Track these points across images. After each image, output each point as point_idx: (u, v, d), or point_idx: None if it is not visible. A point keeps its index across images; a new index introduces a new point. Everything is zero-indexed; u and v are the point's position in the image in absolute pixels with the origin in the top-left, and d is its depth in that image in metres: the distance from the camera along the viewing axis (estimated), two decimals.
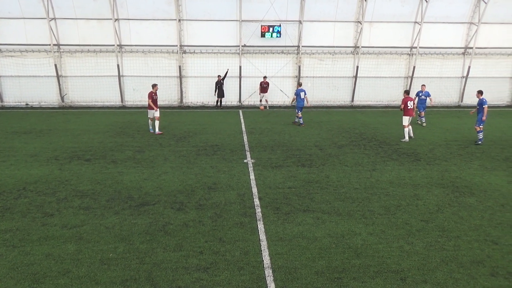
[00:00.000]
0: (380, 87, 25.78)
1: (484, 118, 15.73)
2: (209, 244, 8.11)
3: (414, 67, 25.25)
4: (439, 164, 13.51)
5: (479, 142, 15.96)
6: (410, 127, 16.90)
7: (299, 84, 19.85)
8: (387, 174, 12.47)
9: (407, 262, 7.50)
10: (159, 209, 9.73)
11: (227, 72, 24.39)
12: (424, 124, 19.92)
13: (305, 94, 19.46)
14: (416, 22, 24.73)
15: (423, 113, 20.13)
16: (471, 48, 25.29)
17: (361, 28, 24.32)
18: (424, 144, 16.15)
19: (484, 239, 8.42)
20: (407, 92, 16.80)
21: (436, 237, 8.48)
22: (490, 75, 26.12)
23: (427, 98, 20.32)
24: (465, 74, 25.83)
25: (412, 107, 16.54)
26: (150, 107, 17.47)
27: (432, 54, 25.46)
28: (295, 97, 19.47)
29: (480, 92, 16.20)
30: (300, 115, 19.53)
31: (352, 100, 25.82)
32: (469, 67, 25.59)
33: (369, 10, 24.12)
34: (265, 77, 24.20)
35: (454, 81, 25.74)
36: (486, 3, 24.11)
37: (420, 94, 20.29)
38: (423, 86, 20.46)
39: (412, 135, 17.05)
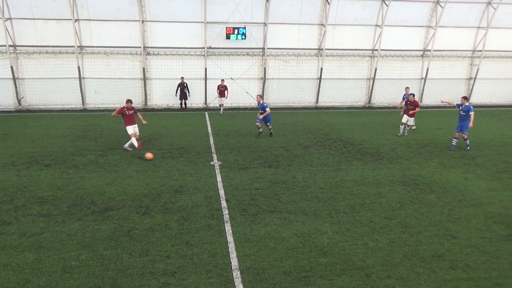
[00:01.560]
0: (344, 89, 26.34)
1: (471, 125, 15.13)
2: (176, 248, 8.01)
3: (376, 69, 25.97)
4: (401, 163, 13.95)
5: (468, 148, 15.82)
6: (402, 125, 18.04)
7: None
8: (352, 173, 12.76)
9: (372, 259, 7.70)
10: (124, 214, 9.53)
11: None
12: (414, 127, 19.59)
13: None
14: (377, 25, 25.45)
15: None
16: (429, 50, 26.28)
17: (325, 31, 24.78)
18: (386, 144, 16.63)
19: (444, 233, 8.77)
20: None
21: (399, 233, 8.76)
22: (447, 77, 27.24)
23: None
24: (424, 76, 26.82)
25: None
26: (126, 123, 15.10)
27: (393, 56, 26.27)
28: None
29: (465, 98, 15.56)
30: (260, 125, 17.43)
31: (317, 102, 26.25)
32: (427, 69, 26.58)
33: (332, 13, 24.62)
34: (222, 80, 23.85)
35: (414, 82, 26.64)
36: (442, 7, 25.15)
37: (405, 97, 19.94)
38: (407, 89, 20.21)
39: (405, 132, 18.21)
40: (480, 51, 26.89)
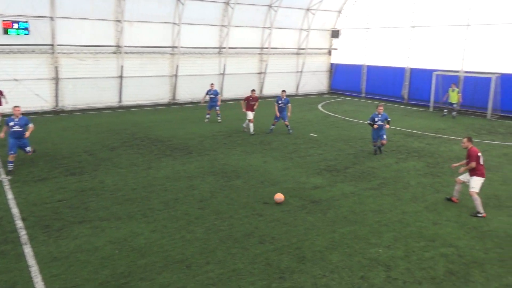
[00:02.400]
0: (147, 86, 26.01)
1: (289, 114, 17.96)
2: None
3: (177, 66, 26.52)
4: (209, 154, 14.68)
5: (291, 132, 18.30)
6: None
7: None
8: (163, 170, 12.77)
9: (190, 250, 7.90)
10: None
11: None
12: (220, 120, 20.68)
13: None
14: (175, 23, 25.94)
15: (217, 111, 20.69)
16: (225, 48, 28.28)
17: (122, 27, 23.92)
18: (194, 138, 17.22)
19: (252, 213, 9.64)
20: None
21: (213, 220, 9.22)
22: (242, 72, 29.86)
23: (216, 96, 20.86)
24: (222, 71, 28.73)
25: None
26: None
27: (193, 54, 27.27)
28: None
29: (284, 91, 18.40)
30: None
31: (120, 101, 25.23)
32: (224, 65, 28.58)
33: (128, 9, 23.89)
34: None
35: (214, 78, 28.20)
36: (232, 8, 27.32)
37: (209, 93, 20.72)
38: (212, 85, 21.00)
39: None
40: (267, 48, 30.35)
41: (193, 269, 7.24)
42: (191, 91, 27.59)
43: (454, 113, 23.15)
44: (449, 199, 10.56)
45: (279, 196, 10.33)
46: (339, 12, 32.70)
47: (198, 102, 26.39)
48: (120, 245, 8.04)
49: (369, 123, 15.02)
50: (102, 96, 24.66)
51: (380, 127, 14.71)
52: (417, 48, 27.99)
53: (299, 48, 32.30)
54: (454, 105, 23.04)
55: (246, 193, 10.99)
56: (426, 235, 8.71)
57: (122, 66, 24.66)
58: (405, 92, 28.97)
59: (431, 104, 25.99)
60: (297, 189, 11.37)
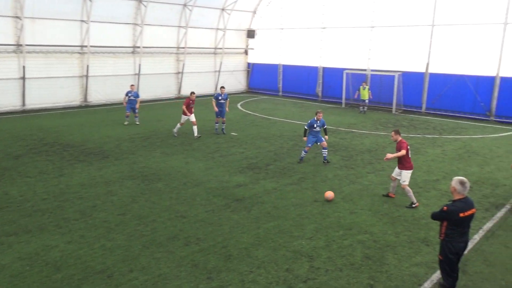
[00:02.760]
0: (55, 88, 24.23)
1: (227, 109, 17.81)
2: None
3: (88, 66, 25.08)
4: (127, 158, 14.11)
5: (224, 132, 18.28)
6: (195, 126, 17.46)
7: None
8: (77, 177, 12.02)
9: (111, 258, 7.54)
10: None
11: None
12: (138, 123, 19.84)
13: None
14: (83, 21, 24.48)
15: (135, 113, 19.88)
16: (139, 47, 27.34)
17: (22, 24, 22.00)
18: (110, 141, 16.44)
19: (175, 216, 9.46)
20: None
21: (135, 226, 8.90)
22: (159, 72, 29.13)
23: (136, 99, 19.93)
24: (137, 71, 27.75)
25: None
26: None
27: (105, 53, 25.97)
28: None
29: (223, 87, 18.48)
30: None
31: (24, 104, 23.21)
32: (139, 65, 27.63)
33: (28, 4, 22.03)
34: None
35: (128, 78, 27.15)
36: (145, 6, 26.49)
37: (129, 94, 19.78)
38: (133, 87, 20.19)
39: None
40: (184, 48, 29.94)
41: (115, 279, 6.92)
42: (105, 92, 26.29)
43: (365, 109, 24.83)
44: (387, 195, 10.85)
45: (330, 194, 10.57)
46: (254, 12, 33.33)
47: (112, 104, 25.25)
48: (31, 260, 7.41)
49: (305, 130, 13.88)
50: (2, 99, 22.48)
51: (318, 133, 13.81)
52: (328, 48, 29.51)
53: (216, 48, 32.34)
54: (366, 102, 24.73)
55: (168, 195, 10.76)
56: (344, 224, 9.24)
57: (24, 67, 22.70)
58: (319, 90, 30.40)
59: (343, 101, 27.60)
60: (221, 188, 11.39)
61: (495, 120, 22.53)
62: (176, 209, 9.85)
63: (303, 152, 14.13)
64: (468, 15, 22.74)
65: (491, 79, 22.62)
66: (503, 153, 15.59)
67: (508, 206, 10.41)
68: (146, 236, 8.46)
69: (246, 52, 34.91)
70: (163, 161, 13.89)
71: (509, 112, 22.25)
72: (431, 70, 24.73)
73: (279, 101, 29.55)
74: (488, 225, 9.31)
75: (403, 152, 10.11)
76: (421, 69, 25.02)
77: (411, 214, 9.86)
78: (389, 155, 10.36)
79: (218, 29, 31.93)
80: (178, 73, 30.41)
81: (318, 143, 13.95)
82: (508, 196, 11.16)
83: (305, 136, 13.97)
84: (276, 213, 9.79)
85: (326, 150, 13.98)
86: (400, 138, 10.46)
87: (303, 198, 10.75)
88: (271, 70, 33.30)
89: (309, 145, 13.91)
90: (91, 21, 24.59)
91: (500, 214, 9.95)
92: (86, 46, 24.88)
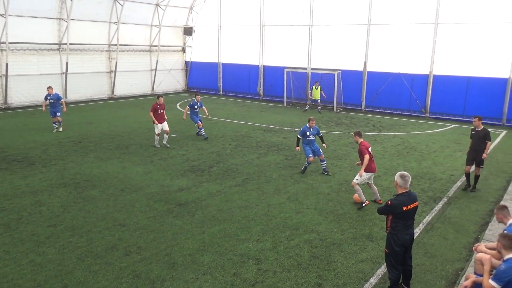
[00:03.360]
0: None
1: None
2: None
3: (7, 65, 23.43)
4: (56, 164, 13.39)
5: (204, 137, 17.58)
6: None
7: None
8: None
9: (43, 274, 7.11)
10: None
11: None
12: (61, 130, 18.32)
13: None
14: (0, 14, 22.86)
15: (59, 118, 18.25)
16: (66, 44, 26.02)
17: None
18: (36, 146, 15.50)
19: (113, 224, 9.13)
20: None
21: (68, 238, 8.47)
22: (89, 70, 27.93)
23: (59, 101, 18.32)
24: (64, 70, 26.39)
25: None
26: None
27: (26, 50, 24.43)
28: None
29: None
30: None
31: None
32: (67, 63, 26.30)
33: None
34: None
35: (54, 78, 25.74)
36: (71, 0, 25.26)
37: (49, 98, 18.16)
38: (50, 89, 18.38)
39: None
40: (116, 45, 28.93)
41: None
42: (28, 93, 24.77)
43: (319, 108, 25.62)
44: (374, 201, 10.73)
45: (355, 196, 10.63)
46: (191, 9, 33.00)
47: (37, 106, 23.83)
48: None
49: (298, 138, 13.10)
50: None
51: (313, 142, 13.02)
52: (269, 46, 29.94)
53: (151, 45, 31.63)
54: (318, 101, 25.44)
55: (105, 203, 10.35)
56: (291, 224, 9.42)
57: None
58: (260, 89, 30.75)
59: (285, 99, 28.14)
60: (162, 193, 11.16)
61: (430, 117, 24.08)
62: (113, 217, 9.50)
63: (306, 163, 13.16)
64: (402, 15, 24.11)
65: (425, 77, 24.17)
66: (438, 149, 16.71)
67: (445, 199, 11.18)
68: (81, 248, 8.08)
69: (183, 50, 34.49)
70: (98, 166, 13.34)
71: (442, 109, 23.90)
72: (369, 69, 25.92)
73: (220, 101, 29.51)
74: (428, 218, 9.94)
75: (366, 158, 10.25)
76: (359, 67, 26.15)
77: (356, 211, 10.27)
78: (361, 172, 10.30)
79: (152, 25, 31.24)
80: (111, 72, 29.34)
81: (316, 156, 13.05)
82: (445, 189, 11.98)
83: (297, 145, 13.09)
84: (221, 216, 9.76)
85: (325, 162, 13.19)
86: (361, 140, 10.55)
87: (249, 200, 10.81)
88: (211, 69, 33.17)
89: (310, 156, 12.87)
90: (10, 15, 23.02)
91: (438, 207, 10.66)
92: (4, 43, 23.24)
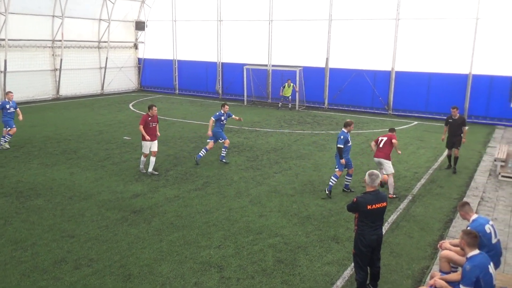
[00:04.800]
0: None
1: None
2: None
3: None
4: None
5: None
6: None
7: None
8: None
9: None
10: None
11: None
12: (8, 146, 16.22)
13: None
14: None
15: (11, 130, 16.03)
16: (4, 39, 24.92)
17: None
18: None
19: (61, 236, 8.84)
20: None
21: (10, 252, 8.12)
22: (31, 69, 26.88)
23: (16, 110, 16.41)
24: (2, 69, 25.25)
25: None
26: None
27: None
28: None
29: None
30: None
31: None
32: (5, 61, 25.17)
33: None
34: None
35: None
36: None
37: (8, 106, 16.07)
38: (10, 94, 16.48)
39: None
40: (60, 40, 28.02)
41: None
42: None
43: (290, 105, 26.30)
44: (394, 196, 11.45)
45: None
46: (143, 2, 32.48)
47: None
48: None
49: (339, 148, 11.52)
50: None
51: (348, 150, 11.88)
52: (227, 42, 29.92)
53: (100, 41, 30.87)
54: (288, 98, 26.00)
55: (51, 213, 10.01)
56: (254, 228, 9.46)
57: None
58: (219, 87, 30.68)
59: (245, 98, 28.22)
60: (115, 200, 10.92)
61: (393, 114, 24.87)
62: (61, 228, 9.20)
63: (333, 181, 11.65)
64: (364, 10, 24.75)
65: (387, 74, 24.92)
66: (402, 146, 17.24)
67: (410, 197, 11.58)
68: (26, 262, 7.77)
69: (136, 46, 33.90)
70: (42, 173, 12.87)
71: (405, 106, 24.73)
72: (331, 65, 26.43)
73: (176, 100, 29.21)
74: (393, 217, 10.26)
75: (394, 142, 11.69)
76: (321, 64, 26.61)
77: (320, 212, 10.45)
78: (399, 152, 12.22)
79: (101, 19, 30.50)
80: (55, 70, 28.39)
81: (348, 170, 11.90)
82: (409, 187, 12.42)
83: (341, 157, 11.52)
84: (180, 222, 9.67)
85: (351, 178, 12.06)
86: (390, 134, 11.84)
87: (209, 204, 10.77)
88: (166, 66, 32.77)
89: (341, 169, 11.58)
90: None
91: (403, 205, 11.03)
92: None
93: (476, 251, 5.77)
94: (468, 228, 6.42)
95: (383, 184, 11.08)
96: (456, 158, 14.08)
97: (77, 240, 8.71)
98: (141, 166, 13.35)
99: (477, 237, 5.85)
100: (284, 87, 26.16)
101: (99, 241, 8.67)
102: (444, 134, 14.47)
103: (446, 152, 14.88)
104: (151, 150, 13.10)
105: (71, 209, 10.25)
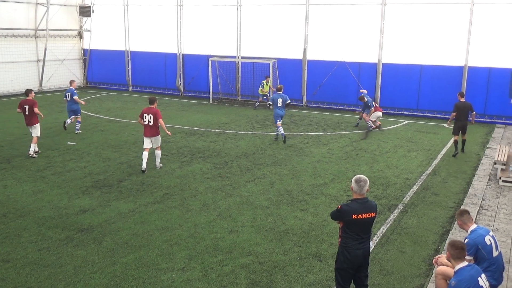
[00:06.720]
0: None
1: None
2: None
3: None
4: None
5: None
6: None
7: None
8: None
9: None
10: None
11: None
12: None
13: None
14: None
15: None
16: None
17: None
18: None
19: None
20: None
21: None
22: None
23: None
24: None
25: None
26: None
27: None
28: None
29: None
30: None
31: None
32: None
33: None
34: None
35: None
36: None
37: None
38: (74, 83, 19.54)
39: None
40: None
41: None
42: None
43: (268, 104, 26.19)
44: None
45: None
46: None
47: None
48: None
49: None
50: None
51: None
52: (188, 31, 29.87)
53: (37, 29, 30.34)
54: (267, 97, 26.00)
55: None
56: (223, 246, 9.47)
57: None
58: (180, 82, 30.59)
59: (211, 95, 28.21)
60: (57, 216, 10.75)
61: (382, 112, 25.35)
62: None
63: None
64: None
65: (374, 66, 25.36)
66: (391, 149, 17.65)
67: (401, 207, 11.83)
68: None
69: (80, 35, 33.51)
70: None
71: (394, 103, 25.22)
72: (309, 57, 26.74)
73: (129, 98, 28.97)
74: (382, 230, 10.46)
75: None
76: (298, 55, 26.89)
77: (300, 226, 10.55)
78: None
79: (38, 3, 29.98)
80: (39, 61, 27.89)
81: None
82: (400, 195, 12.68)
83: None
84: (136, 242, 9.59)
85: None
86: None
87: (170, 220, 10.72)
88: (117, 59, 32.49)
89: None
90: None
91: (393, 216, 11.25)
92: None
93: (464, 263, 5.95)
94: (466, 239, 6.61)
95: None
96: (464, 141, 16.81)
97: (12, 265, 8.52)
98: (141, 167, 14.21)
99: (463, 249, 6.04)
100: (262, 85, 26.21)
101: (40, 266, 8.51)
102: (450, 120, 17.08)
103: (452, 139, 17.38)
104: (154, 148, 14.50)
105: (5, 229, 10.03)
